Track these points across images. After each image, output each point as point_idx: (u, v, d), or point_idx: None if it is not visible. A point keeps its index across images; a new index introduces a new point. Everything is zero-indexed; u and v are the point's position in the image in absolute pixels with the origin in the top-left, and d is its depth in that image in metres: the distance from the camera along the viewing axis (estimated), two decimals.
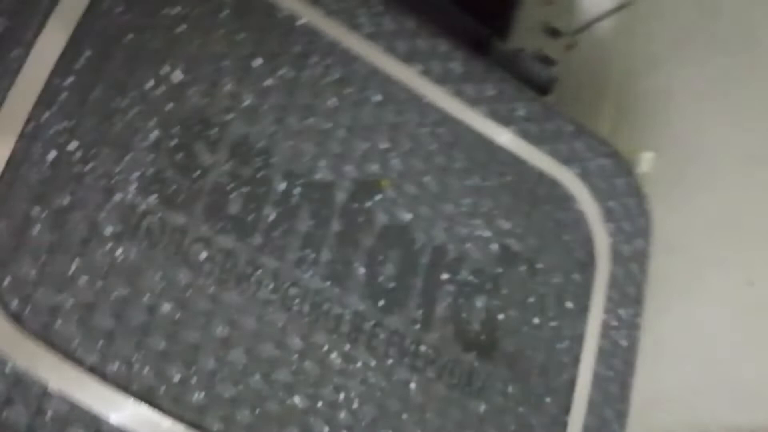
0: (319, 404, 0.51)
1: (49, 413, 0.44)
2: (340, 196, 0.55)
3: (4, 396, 0.43)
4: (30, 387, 0.44)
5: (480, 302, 0.58)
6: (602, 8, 0.98)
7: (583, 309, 0.62)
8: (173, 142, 0.51)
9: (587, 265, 0.63)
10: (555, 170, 0.64)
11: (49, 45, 0.49)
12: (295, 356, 0.51)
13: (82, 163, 0.48)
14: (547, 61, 0.78)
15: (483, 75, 0.65)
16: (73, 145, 0.48)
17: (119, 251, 0.48)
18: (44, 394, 0.44)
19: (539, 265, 0.61)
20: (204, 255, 0.50)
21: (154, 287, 0.48)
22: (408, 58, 0.62)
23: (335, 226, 0.55)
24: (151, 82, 0.51)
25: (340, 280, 0.54)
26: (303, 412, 0.51)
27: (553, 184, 0.64)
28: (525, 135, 0.64)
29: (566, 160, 0.65)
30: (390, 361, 0.54)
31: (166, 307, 0.48)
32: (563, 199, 0.64)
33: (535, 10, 1.00)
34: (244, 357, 0.50)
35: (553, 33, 0.97)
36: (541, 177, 0.64)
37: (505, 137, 0.63)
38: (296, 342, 0.51)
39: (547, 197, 0.63)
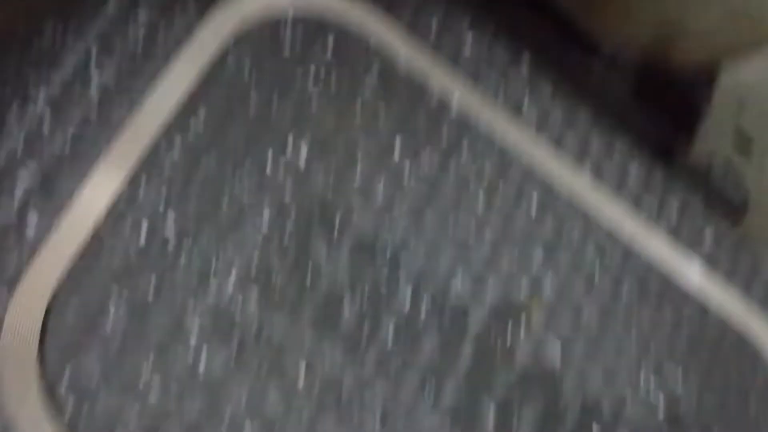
0: None
1: None
2: (476, 322, 0.46)
3: None
4: None
5: None
6: None
7: None
8: (287, 234, 0.44)
9: None
10: (746, 320, 0.53)
11: (165, 95, 0.43)
12: None
13: (177, 244, 0.42)
14: (741, 179, 0.68)
15: (665, 188, 0.55)
16: (170, 222, 0.42)
17: (203, 358, 0.41)
18: None
19: None
20: (303, 374, 0.42)
21: (239, 406, 0.41)
22: (578, 157, 0.53)
23: (466, 358, 0.45)
24: (272, 159, 0.44)
25: (463, 426, 0.44)
26: None
27: (742, 337, 0.52)
28: (712, 269, 0.54)
29: (763, 307, 0.53)
30: None
31: (248, 429, 0.41)
32: (753, 358, 0.52)
33: (726, 112, 0.89)
34: None
35: (746, 142, 0.85)
36: (727, 326, 0.52)
37: (687, 270, 0.53)
38: None
39: (733, 353, 0.52)
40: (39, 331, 0.38)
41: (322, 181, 0.45)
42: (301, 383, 0.42)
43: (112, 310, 0.40)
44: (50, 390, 0.38)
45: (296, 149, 0.45)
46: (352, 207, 0.45)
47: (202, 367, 0.40)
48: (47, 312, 0.39)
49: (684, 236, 0.54)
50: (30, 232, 0.40)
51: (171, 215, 0.42)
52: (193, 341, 0.41)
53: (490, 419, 0.45)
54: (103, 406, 0.38)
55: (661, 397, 0.49)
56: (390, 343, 0.44)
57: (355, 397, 0.43)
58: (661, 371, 0.50)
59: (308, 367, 0.42)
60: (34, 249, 0.39)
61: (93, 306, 0.39)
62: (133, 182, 0.42)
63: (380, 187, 0.46)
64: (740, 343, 0.52)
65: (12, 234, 0.39)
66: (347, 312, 0.44)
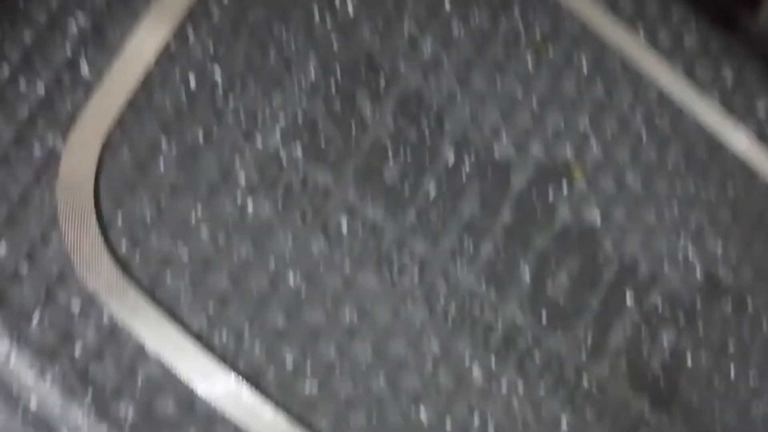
0: (448, 423, 0.44)
1: (141, 376, 0.40)
2: (519, 181, 0.47)
3: (96, 348, 0.39)
4: (125, 343, 0.40)
5: (667, 338, 0.49)
6: None
7: None
8: (333, 87, 0.44)
9: None
10: None
11: None
12: (430, 362, 0.44)
13: (224, 95, 0.43)
14: None
15: (721, 55, 0.54)
16: (217, 73, 0.43)
17: (250, 205, 0.42)
18: (139, 353, 0.40)
19: (750, 305, 0.51)
20: (345, 225, 0.44)
21: (282, 254, 0.42)
22: (632, 20, 0.52)
23: (506, 216, 0.46)
24: (319, 11, 0.44)
25: (499, 282, 0.46)
26: (428, 427, 0.44)
27: None
28: (762, 139, 0.53)
29: None
30: (542, 389, 0.46)
31: (291, 278, 0.42)
32: None
33: None
34: (370, 353, 0.43)
35: None
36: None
37: (736, 138, 0.52)
38: (434, 346, 0.44)
39: None
40: (94, 171, 0.40)
41: (369, 34, 0.45)
42: (342, 235, 0.44)
43: (162, 155, 0.41)
44: (105, 229, 0.40)
45: (344, 1, 0.45)
46: (399, 61, 0.46)
47: (249, 213, 0.42)
48: (101, 155, 0.40)
49: (736, 105, 0.53)
50: (83, 77, 0.41)
51: (218, 67, 0.43)
52: (240, 188, 0.42)
53: (526, 276, 0.46)
54: (155, 247, 0.41)
55: (699, 262, 0.50)
56: (431, 199, 0.45)
57: (393, 250, 0.44)
58: (702, 237, 0.50)
59: (350, 219, 0.44)
60: (87, 93, 0.41)
61: (144, 151, 0.41)
62: (179, 34, 0.42)
63: (428, 42, 0.46)
64: None
65: (66, 78, 0.41)
66: (390, 166, 0.45)
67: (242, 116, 0.43)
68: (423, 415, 0.44)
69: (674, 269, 0.49)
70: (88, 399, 0.39)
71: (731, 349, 0.50)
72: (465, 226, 0.46)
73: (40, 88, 0.40)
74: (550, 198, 0.48)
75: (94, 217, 0.39)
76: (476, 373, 0.45)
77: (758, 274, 0.51)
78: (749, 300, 0.51)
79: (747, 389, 0.50)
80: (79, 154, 0.40)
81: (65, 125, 0.40)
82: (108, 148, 0.40)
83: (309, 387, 0.42)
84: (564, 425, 0.46)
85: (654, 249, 0.49)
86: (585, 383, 0.47)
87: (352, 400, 0.43)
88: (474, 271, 0.46)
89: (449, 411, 0.44)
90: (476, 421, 0.45)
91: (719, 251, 0.51)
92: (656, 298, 0.49)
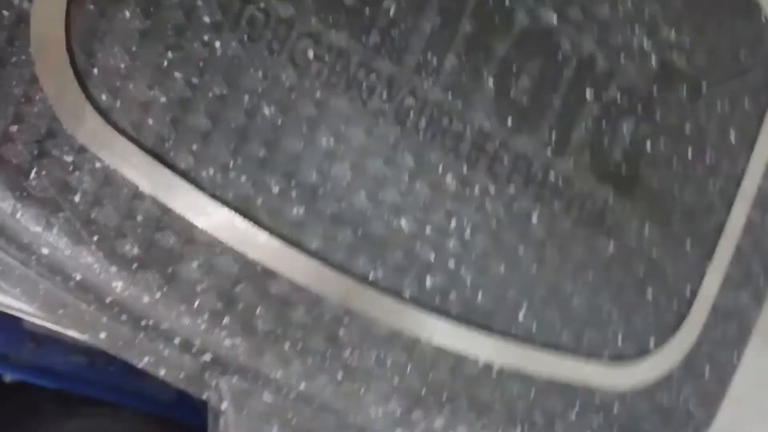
0: (428, 229, 0.48)
1: (140, 217, 0.43)
2: None
3: (94, 195, 0.42)
4: (120, 188, 0.43)
5: (626, 127, 0.52)
6: None
7: (748, 144, 0.54)
8: None
9: (762, 92, 0.55)
10: None
11: None
12: (406, 175, 0.47)
13: None
14: None
15: None
16: None
17: (218, 44, 0.44)
18: (135, 195, 0.43)
19: (704, 88, 0.54)
20: (312, 53, 0.45)
21: (255, 87, 0.45)
22: None
23: (465, 26, 0.48)
24: None
25: (464, 91, 0.48)
26: (409, 236, 0.48)
27: None
28: None
29: None
30: (512, 189, 0.49)
31: (266, 110, 0.45)
32: (747, 7, 0.54)
33: None
34: (349, 172, 0.46)
35: None
36: None
37: None
38: (408, 159, 0.47)
39: (727, 4, 0.54)
40: (64, 27, 0.41)
41: None
42: (310, 62, 0.45)
43: (126, 4, 0.42)
44: (84, 82, 0.42)
45: None
46: None
47: (217, 51, 0.44)
48: (68, 10, 0.41)
49: None
50: None
51: None
52: (205, 27, 0.44)
53: (489, 83, 0.49)
54: (133, 94, 0.42)
55: (654, 52, 0.52)
56: (392, 17, 0.47)
57: (361, 72, 0.46)
58: (656, 27, 0.52)
59: (315, 46, 0.45)
60: None
61: (108, 1, 0.42)
62: None
63: None
64: None
65: None
66: None
67: None
68: (404, 225, 0.48)
69: (630, 61, 0.52)
70: (95, 242, 0.42)
71: (688, 132, 0.53)
72: (427, 42, 0.48)
73: None
74: (507, 3, 0.49)
75: (71, 72, 0.41)
76: (450, 180, 0.48)
77: (711, 56, 0.54)
78: (703, 84, 0.54)
79: (704, 168, 0.54)
80: (48, 11, 0.41)
81: None
82: (74, 2, 0.41)
83: (296, 210, 0.46)
84: (534, 219, 0.50)
85: (610, 43, 0.51)
86: (552, 179, 0.50)
87: (337, 217, 0.46)
88: (439, 84, 0.48)
89: (428, 218, 0.48)
90: (453, 225, 0.49)
91: (673, 38, 0.53)
92: (614, 91, 0.51)
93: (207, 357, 0.45)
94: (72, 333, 0.47)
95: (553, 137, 0.50)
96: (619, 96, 0.52)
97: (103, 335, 0.44)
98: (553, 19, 0.50)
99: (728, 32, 0.54)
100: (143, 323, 0.44)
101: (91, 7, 0.42)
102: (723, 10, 0.54)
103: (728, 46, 0.54)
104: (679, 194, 0.53)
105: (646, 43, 0.52)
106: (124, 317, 0.43)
